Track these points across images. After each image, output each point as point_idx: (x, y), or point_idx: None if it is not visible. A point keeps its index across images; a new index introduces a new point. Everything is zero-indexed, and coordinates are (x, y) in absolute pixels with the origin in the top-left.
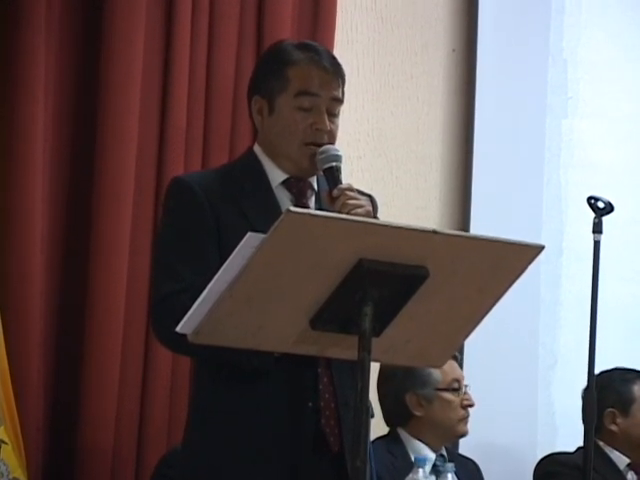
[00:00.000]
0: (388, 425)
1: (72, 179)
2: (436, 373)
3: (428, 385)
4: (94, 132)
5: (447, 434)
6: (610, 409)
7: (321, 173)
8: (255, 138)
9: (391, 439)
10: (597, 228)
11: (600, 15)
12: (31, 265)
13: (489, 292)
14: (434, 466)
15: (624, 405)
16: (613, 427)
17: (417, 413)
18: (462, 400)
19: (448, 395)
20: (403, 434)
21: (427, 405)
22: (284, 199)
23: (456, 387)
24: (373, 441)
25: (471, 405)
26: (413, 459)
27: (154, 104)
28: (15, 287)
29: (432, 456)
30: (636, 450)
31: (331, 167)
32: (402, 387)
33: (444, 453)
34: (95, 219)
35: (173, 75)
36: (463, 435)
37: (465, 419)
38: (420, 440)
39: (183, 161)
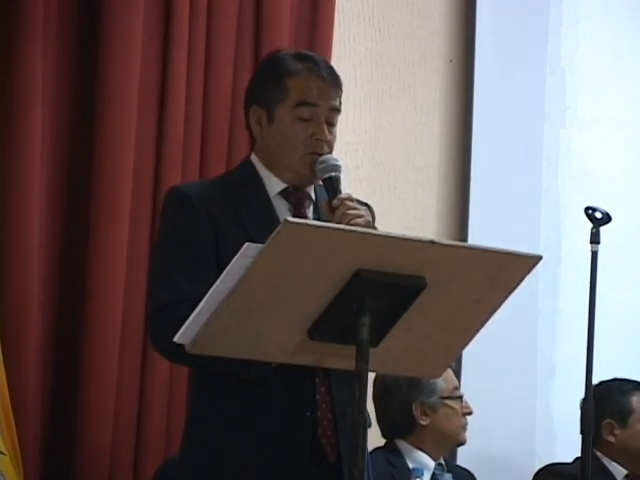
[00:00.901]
0: (387, 437)
1: (69, 188)
2: (440, 382)
3: (434, 394)
4: (91, 141)
5: (449, 442)
6: (608, 420)
7: (320, 183)
8: (252, 148)
9: (389, 450)
10: (594, 238)
11: (598, 24)
12: (28, 275)
13: (487, 302)
14: (433, 475)
15: (622, 416)
16: (611, 438)
17: (422, 422)
18: (462, 408)
19: (452, 403)
20: (402, 445)
21: (432, 414)
22: (282, 209)
23: (458, 395)
24: (371, 452)
25: (470, 413)
26: (410, 466)
27: (151, 114)
28: (12, 296)
29: (432, 464)
30: (633, 462)
31: (330, 177)
32: (408, 397)
33: (442, 462)
34: (92, 228)
35: (170, 85)
36: (463, 443)
37: (465, 427)
38: (421, 449)
39: (180, 171)
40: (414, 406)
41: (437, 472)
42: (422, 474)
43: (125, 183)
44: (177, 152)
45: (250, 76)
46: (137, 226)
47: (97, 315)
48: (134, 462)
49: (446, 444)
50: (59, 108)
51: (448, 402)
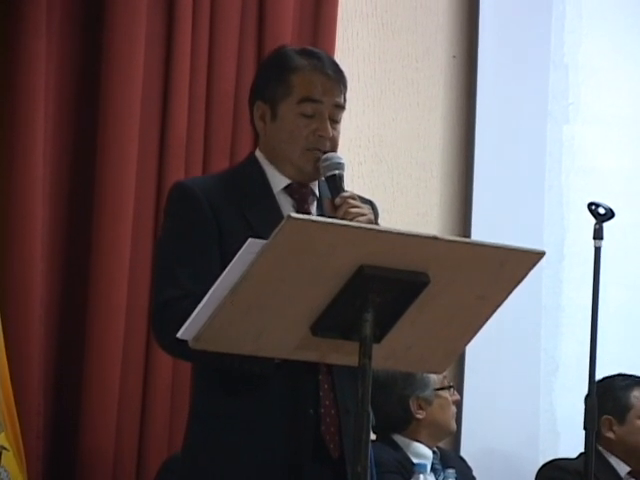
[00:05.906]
0: (379, 432)
1: (73, 186)
2: (432, 374)
3: (428, 387)
4: (95, 139)
5: (442, 433)
6: (606, 416)
7: (323, 179)
8: (256, 144)
9: (388, 444)
10: (598, 234)
11: (601, 20)
12: (32, 271)
13: (490, 298)
14: (432, 465)
15: (620, 412)
16: (610, 434)
17: (419, 416)
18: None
19: (445, 393)
20: (399, 439)
21: (427, 407)
22: (286, 205)
23: (448, 384)
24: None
25: (458, 400)
26: (414, 461)
27: (155, 112)
28: (16, 293)
29: (430, 454)
30: (633, 457)
31: (334, 175)
32: (405, 393)
33: (435, 449)
34: (96, 225)
35: (174, 83)
36: (453, 432)
37: (454, 415)
38: (417, 441)
39: (184, 169)
40: (411, 401)
41: (435, 463)
42: (425, 470)
43: (128, 179)
44: (180, 149)
45: (253, 72)
46: (140, 221)
47: (100, 310)
48: (137, 458)
49: (440, 434)
50: (62, 103)
51: (441, 393)
